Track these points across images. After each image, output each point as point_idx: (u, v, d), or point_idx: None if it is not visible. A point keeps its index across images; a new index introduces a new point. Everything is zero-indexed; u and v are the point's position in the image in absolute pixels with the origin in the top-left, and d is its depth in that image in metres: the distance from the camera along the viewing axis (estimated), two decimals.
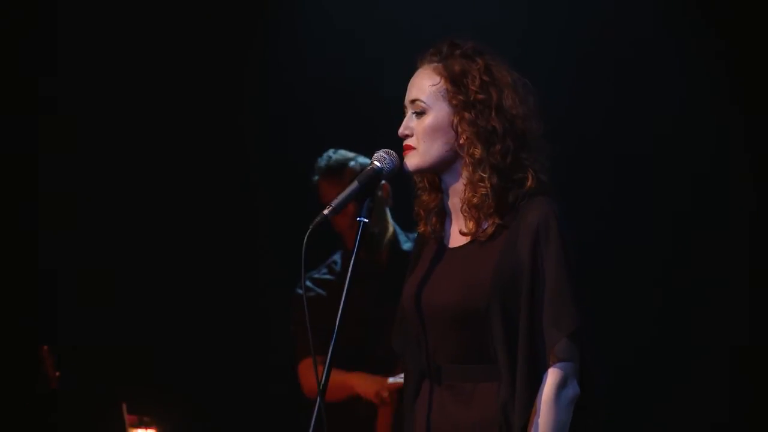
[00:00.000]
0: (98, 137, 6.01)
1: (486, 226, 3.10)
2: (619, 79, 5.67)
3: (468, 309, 3.09)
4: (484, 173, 3.12)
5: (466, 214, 3.14)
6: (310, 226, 3.05)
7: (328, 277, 4.90)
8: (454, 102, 3.14)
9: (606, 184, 5.63)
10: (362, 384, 4.87)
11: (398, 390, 4.66)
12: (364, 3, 5.93)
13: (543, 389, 3.05)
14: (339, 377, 4.68)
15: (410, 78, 3.25)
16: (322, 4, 6.03)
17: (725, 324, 5.55)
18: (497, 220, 3.08)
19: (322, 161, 4.80)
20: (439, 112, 3.16)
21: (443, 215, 3.24)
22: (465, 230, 3.13)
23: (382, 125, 3.52)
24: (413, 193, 3.30)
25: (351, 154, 4.80)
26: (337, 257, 4.90)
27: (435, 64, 3.19)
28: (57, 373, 4.95)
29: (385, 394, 4.82)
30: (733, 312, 5.57)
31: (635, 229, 5.65)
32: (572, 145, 5.15)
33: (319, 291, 4.85)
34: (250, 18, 6.04)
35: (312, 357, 3.41)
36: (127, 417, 4.93)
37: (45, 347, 4.92)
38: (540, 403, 3.04)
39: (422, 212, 3.27)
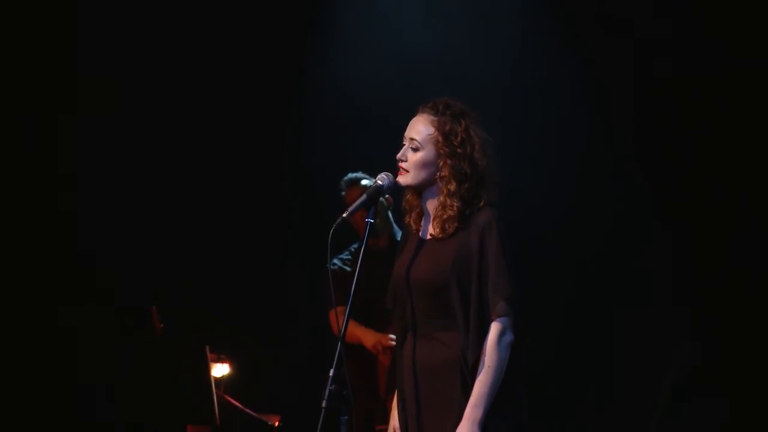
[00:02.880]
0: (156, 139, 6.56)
1: (448, 228, 3.86)
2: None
3: (436, 282, 3.85)
4: (454, 202, 3.86)
5: (436, 223, 3.90)
6: (333, 225, 3.84)
7: (349, 257, 5.81)
8: (441, 150, 3.86)
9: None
10: (367, 338, 5.73)
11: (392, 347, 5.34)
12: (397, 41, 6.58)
13: (488, 337, 3.76)
14: (355, 330, 5.62)
15: (411, 118, 3.94)
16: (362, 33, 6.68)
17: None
18: (456, 224, 3.84)
19: (348, 177, 5.78)
20: (429, 152, 3.87)
21: (421, 213, 3.97)
22: (434, 233, 3.89)
23: (383, 149, 4.26)
24: (403, 195, 4.03)
25: (362, 175, 5.73)
26: (356, 245, 5.83)
27: (432, 117, 3.88)
28: (161, 326, 5.58)
29: (381, 346, 5.67)
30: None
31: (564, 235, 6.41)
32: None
33: (343, 266, 5.78)
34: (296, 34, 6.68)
35: (335, 310, 4.27)
36: (209, 355, 5.55)
37: (153, 307, 5.53)
38: (486, 346, 3.76)
39: (407, 208, 4.01)
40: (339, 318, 4.17)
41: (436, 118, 3.89)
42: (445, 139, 3.87)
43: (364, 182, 5.72)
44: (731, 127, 5.96)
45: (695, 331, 6.08)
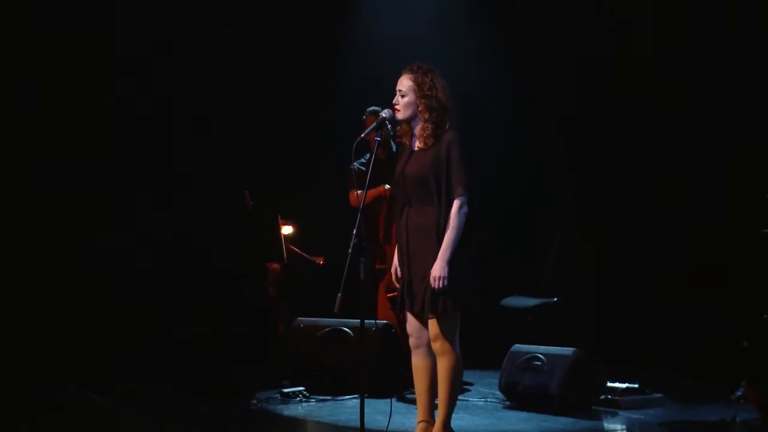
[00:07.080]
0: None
1: (428, 143, 4.98)
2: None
3: (421, 176, 4.98)
4: (429, 125, 4.94)
5: (420, 140, 5.00)
6: (356, 141, 5.04)
7: (364, 161, 6.98)
8: (418, 94, 4.95)
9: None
10: (378, 188, 6.84)
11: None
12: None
13: (453, 208, 4.88)
14: (369, 191, 6.15)
15: (398, 77, 5.08)
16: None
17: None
18: (432, 141, 4.96)
19: (369, 109, 6.89)
20: (411, 97, 4.98)
21: (411, 135, 5.08)
22: (419, 146, 5.01)
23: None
24: (399, 124, 5.12)
25: (377, 108, 6.69)
26: (368, 154, 7.00)
27: (410, 75, 4.99)
28: (251, 203, 6.98)
29: (387, 189, 6.80)
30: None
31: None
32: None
33: (360, 167, 6.92)
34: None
35: (354, 191, 5.77)
36: (280, 221, 7.09)
37: (246, 192, 6.87)
38: (451, 215, 4.89)
39: (401, 133, 5.10)
40: (358, 196, 4.91)
41: (413, 75, 5.02)
42: (419, 87, 4.98)
43: (376, 111, 6.78)
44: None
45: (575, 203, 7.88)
